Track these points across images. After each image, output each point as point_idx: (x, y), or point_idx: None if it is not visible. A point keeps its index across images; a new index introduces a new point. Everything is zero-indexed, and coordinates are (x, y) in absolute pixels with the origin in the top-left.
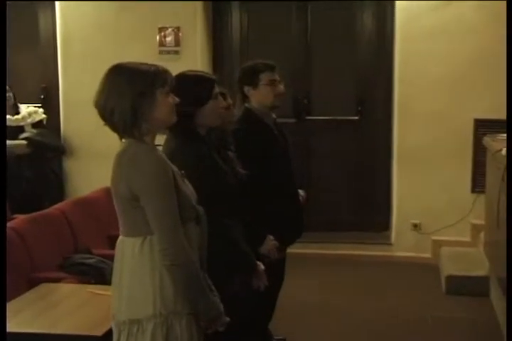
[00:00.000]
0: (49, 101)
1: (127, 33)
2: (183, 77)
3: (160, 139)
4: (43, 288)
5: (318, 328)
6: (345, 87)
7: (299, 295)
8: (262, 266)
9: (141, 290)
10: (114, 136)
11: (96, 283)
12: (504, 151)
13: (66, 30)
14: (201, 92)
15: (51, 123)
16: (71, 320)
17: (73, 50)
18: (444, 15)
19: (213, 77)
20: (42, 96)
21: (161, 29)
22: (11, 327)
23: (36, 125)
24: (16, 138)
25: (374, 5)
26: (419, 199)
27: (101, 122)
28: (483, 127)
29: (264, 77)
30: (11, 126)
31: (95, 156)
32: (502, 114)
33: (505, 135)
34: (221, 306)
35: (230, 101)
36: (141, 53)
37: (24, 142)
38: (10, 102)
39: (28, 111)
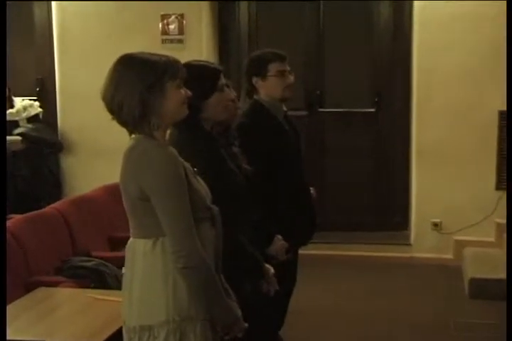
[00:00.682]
0: (45, 94)
1: (127, 21)
2: (186, 67)
3: None
4: (40, 292)
5: (333, 334)
6: (361, 77)
7: (312, 300)
8: (271, 270)
9: (153, 294)
10: (115, 131)
11: (96, 287)
12: None
13: (62, 18)
14: (206, 84)
15: (47, 118)
16: (70, 327)
17: (70, 39)
18: (463, 2)
19: (219, 67)
20: (37, 89)
21: (163, 16)
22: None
23: (32, 119)
24: (10, 133)
25: None
26: (440, 196)
27: (101, 116)
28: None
29: (274, 68)
30: None
31: (95, 152)
32: None
33: None
34: (239, 311)
35: (234, 93)
36: (143, 42)
37: (19, 138)
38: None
39: (23, 105)
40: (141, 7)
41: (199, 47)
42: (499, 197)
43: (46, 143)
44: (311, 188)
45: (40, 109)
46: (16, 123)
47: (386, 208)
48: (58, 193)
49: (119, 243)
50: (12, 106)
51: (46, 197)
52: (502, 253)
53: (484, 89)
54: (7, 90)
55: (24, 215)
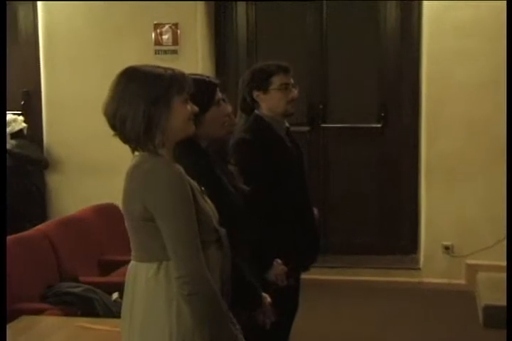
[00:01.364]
0: (30, 107)
1: (118, 30)
2: None
3: None
4: (23, 321)
5: None
6: (366, 91)
7: (315, 328)
8: (268, 299)
9: (156, 322)
10: (105, 146)
11: (83, 315)
12: None
13: (49, 27)
14: (201, 99)
15: (32, 133)
16: None
17: (57, 50)
18: (477, 7)
19: (215, 80)
20: (22, 103)
21: (156, 26)
22: None
23: (15, 135)
24: None
25: None
26: (451, 217)
27: (89, 130)
28: None
29: (277, 81)
30: None
31: (83, 170)
32: None
33: None
34: (243, 340)
35: (230, 107)
36: (135, 53)
37: None
38: None
39: (7, 120)
40: (134, 15)
41: (194, 57)
42: None
43: (31, 160)
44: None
45: (24, 124)
46: None
47: (393, 230)
48: (44, 214)
49: (109, 267)
50: None
51: (31, 217)
52: None
53: (498, 101)
54: None
55: (7, 237)
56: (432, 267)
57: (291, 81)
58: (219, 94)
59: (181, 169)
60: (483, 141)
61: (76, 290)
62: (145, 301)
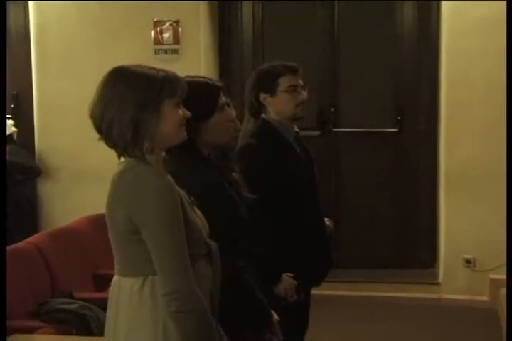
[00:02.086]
0: (21, 111)
1: (115, 28)
2: None
3: None
4: (16, 340)
5: None
6: (381, 93)
7: None
8: (275, 317)
9: (141, 340)
10: (101, 152)
11: (78, 333)
12: None
13: (41, 26)
14: (204, 103)
15: (23, 138)
16: None
17: (49, 50)
18: (499, 6)
19: (219, 83)
20: (12, 106)
21: (156, 23)
22: None
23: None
24: None
25: None
26: (473, 228)
27: (84, 135)
28: None
29: (284, 82)
30: None
31: (77, 178)
32: None
33: None
34: None
35: (234, 112)
36: (133, 53)
37: None
38: None
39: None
40: (131, 12)
41: (197, 58)
42: None
43: (21, 168)
44: (326, 219)
45: (14, 129)
46: None
47: (411, 242)
48: (35, 225)
49: (105, 282)
50: None
51: (21, 229)
52: None
53: None
54: None
55: None
56: (452, 282)
57: (300, 82)
58: (223, 99)
59: (170, 178)
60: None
61: (70, 306)
62: (129, 320)
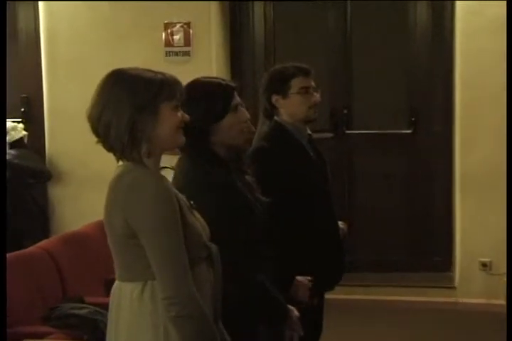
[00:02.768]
0: (31, 114)
1: (126, 30)
2: (195, 85)
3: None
4: None
5: None
6: (395, 94)
7: None
8: (295, 312)
9: None
10: (112, 157)
11: (89, 339)
12: None
13: (51, 28)
14: (218, 104)
15: (33, 142)
16: None
17: (60, 52)
18: None
19: (233, 84)
20: (22, 109)
21: (167, 25)
22: None
23: (15, 144)
24: None
25: None
26: (490, 231)
27: (95, 140)
28: None
29: (297, 84)
30: None
31: (88, 182)
32: None
33: None
34: None
35: (247, 113)
36: (143, 55)
37: None
38: None
39: (6, 128)
40: (142, 14)
41: (208, 59)
42: None
43: (32, 171)
44: (340, 223)
45: (24, 132)
46: None
47: (426, 245)
48: (45, 230)
49: None
50: None
51: (31, 234)
52: None
53: None
54: None
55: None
56: (469, 286)
57: (313, 84)
58: (237, 99)
59: (168, 181)
60: None
61: (81, 312)
62: (129, 325)
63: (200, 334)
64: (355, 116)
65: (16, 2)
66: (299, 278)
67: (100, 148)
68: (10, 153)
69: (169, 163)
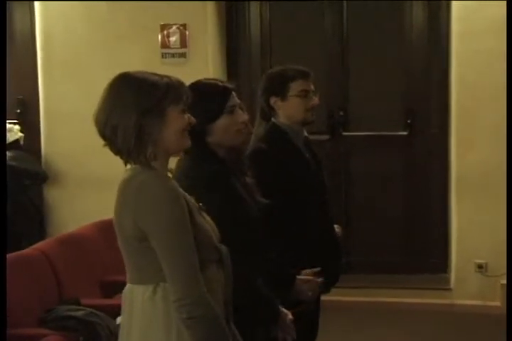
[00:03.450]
0: (27, 116)
1: (122, 32)
2: (193, 86)
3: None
4: None
5: None
6: (391, 96)
7: None
8: (289, 316)
9: None
10: (108, 158)
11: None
12: None
13: (47, 29)
14: (211, 105)
15: (29, 144)
16: None
17: (56, 53)
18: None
19: (230, 85)
20: (18, 111)
21: (163, 27)
22: None
23: (11, 146)
24: None
25: None
26: (485, 233)
27: (91, 141)
28: None
29: (296, 87)
30: None
31: (84, 184)
32: None
33: None
34: None
35: (246, 115)
36: (139, 57)
37: None
38: None
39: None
40: (138, 16)
41: (204, 61)
42: None
43: (28, 173)
44: (336, 226)
45: (20, 134)
46: None
47: (422, 247)
48: (42, 231)
49: (112, 288)
50: None
51: (28, 235)
52: None
53: None
54: None
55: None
56: (464, 287)
57: (312, 87)
58: (234, 100)
59: (176, 184)
60: None
61: (78, 313)
62: (142, 326)
63: (212, 336)
64: (351, 118)
65: (12, 2)
66: (307, 271)
67: (96, 149)
68: (6, 154)
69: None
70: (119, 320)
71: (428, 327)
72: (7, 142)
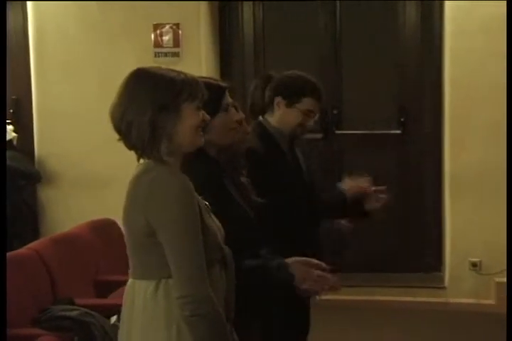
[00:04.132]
0: (20, 116)
1: (115, 31)
2: None
3: None
4: None
5: None
6: (384, 94)
7: None
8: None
9: None
10: (102, 157)
11: None
12: None
13: (40, 28)
14: (207, 103)
15: (23, 144)
16: None
17: (49, 53)
18: (502, 6)
19: (224, 84)
20: (11, 111)
21: (156, 26)
22: None
23: None
24: None
25: None
26: (479, 232)
27: (85, 140)
28: None
29: (306, 104)
30: None
31: (78, 184)
32: None
33: None
34: None
35: (242, 114)
36: (132, 56)
37: None
38: None
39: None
40: (131, 15)
41: (197, 60)
42: None
43: (22, 173)
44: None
45: (14, 134)
46: None
47: (416, 245)
48: (35, 231)
49: (107, 288)
50: None
51: (21, 235)
52: None
53: None
54: None
55: None
56: (459, 286)
57: (318, 109)
58: (228, 100)
59: (188, 180)
60: None
61: (72, 313)
62: (143, 323)
63: (213, 334)
64: (344, 117)
65: (5, 1)
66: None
67: (90, 149)
68: (6, 155)
69: None
70: (113, 319)
71: (422, 325)
72: None
